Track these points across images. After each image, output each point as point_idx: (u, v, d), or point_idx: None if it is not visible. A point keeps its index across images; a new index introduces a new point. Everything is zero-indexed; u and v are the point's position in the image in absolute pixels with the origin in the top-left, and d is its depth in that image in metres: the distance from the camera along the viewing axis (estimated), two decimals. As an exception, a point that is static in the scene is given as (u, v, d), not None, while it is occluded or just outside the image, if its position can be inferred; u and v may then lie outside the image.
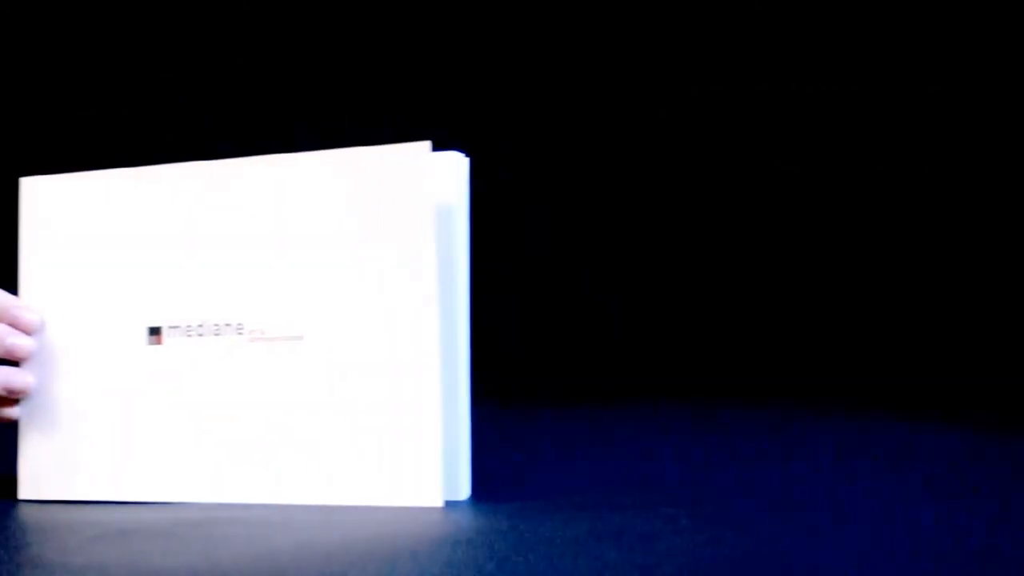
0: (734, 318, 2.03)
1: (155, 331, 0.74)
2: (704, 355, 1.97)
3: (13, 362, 0.74)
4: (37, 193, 0.77)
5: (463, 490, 0.71)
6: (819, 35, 1.98)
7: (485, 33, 2.03)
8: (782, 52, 2.00)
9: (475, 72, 2.02)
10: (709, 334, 2.02)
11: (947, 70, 1.91)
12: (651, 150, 2.06)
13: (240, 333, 0.72)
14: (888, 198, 1.96)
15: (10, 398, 0.74)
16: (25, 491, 0.75)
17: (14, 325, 0.73)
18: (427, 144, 0.70)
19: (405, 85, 2.01)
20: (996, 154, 1.89)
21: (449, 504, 0.68)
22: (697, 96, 2.04)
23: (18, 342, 0.73)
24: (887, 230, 1.97)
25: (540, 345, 1.99)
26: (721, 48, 2.03)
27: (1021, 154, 1.87)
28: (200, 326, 0.73)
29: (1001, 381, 1.62)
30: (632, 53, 2.05)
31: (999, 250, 1.89)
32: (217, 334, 0.73)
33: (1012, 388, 1.52)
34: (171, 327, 0.73)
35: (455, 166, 0.72)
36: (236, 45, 2.00)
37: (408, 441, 0.68)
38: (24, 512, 0.72)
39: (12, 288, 0.75)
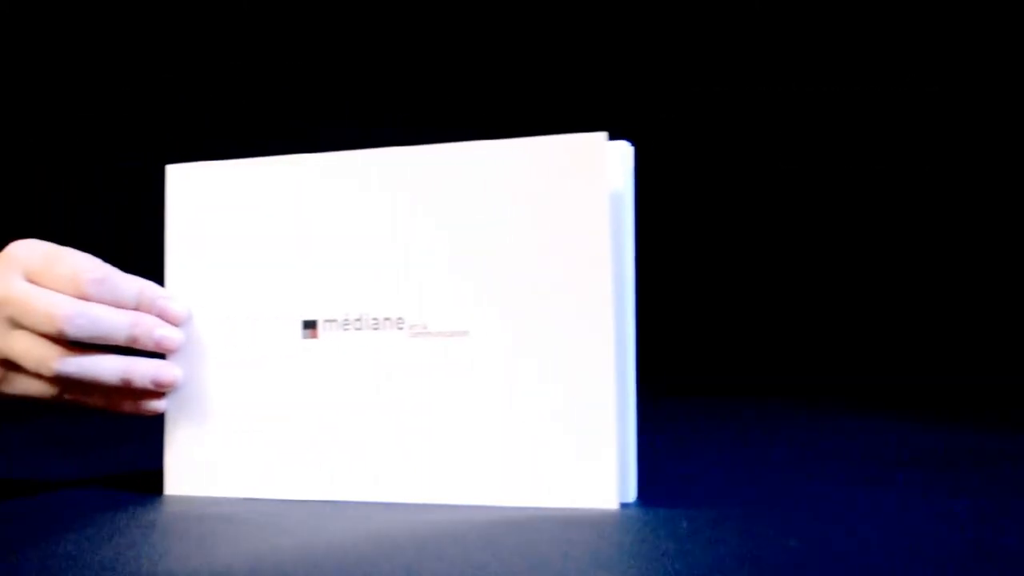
0: (734, 318, 2.04)
1: (310, 325, 0.71)
2: (704, 355, 1.98)
3: (160, 354, 0.71)
4: (184, 181, 0.73)
5: (631, 491, 0.69)
6: (819, 35, 2.00)
7: (483, 32, 2.02)
8: (782, 52, 2.02)
9: (473, 72, 2.01)
10: (710, 334, 2.03)
11: (947, 70, 1.94)
12: (650, 150, 2.06)
13: (400, 328, 0.69)
14: (888, 198, 1.99)
15: (157, 391, 0.71)
16: (172, 486, 0.73)
17: (162, 317, 0.70)
18: (603, 134, 0.68)
19: (401, 85, 1.99)
20: (996, 154, 1.93)
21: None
22: (697, 96, 2.05)
23: (167, 334, 0.70)
24: (887, 230, 1.99)
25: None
26: (721, 48, 2.04)
27: (1021, 154, 1.91)
28: (358, 320, 0.70)
29: (1001, 381, 1.65)
30: (631, 52, 2.05)
31: (999, 250, 1.93)
32: (376, 329, 0.69)
33: (1012, 388, 1.54)
34: (327, 320, 0.70)
35: (623, 156, 0.70)
36: (236, 45, 1.97)
37: (582, 441, 0.66)
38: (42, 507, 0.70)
39: (159, 279, 0.72)
